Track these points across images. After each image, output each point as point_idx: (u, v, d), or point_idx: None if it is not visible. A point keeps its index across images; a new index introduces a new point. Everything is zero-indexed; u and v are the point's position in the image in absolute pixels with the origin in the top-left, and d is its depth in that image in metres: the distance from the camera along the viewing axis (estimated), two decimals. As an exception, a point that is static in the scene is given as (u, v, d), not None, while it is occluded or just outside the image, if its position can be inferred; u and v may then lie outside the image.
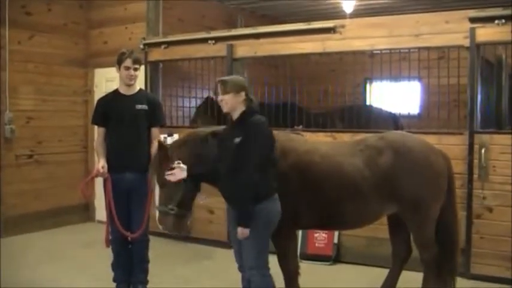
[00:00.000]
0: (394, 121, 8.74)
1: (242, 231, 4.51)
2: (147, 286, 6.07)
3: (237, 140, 4.55)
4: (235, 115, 4.73)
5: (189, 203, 5.09)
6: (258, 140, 4.56)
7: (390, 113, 9.21)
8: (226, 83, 4.71)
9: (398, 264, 5.75)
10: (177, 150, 5.01)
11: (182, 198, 4.95)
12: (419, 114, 10.67)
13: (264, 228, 4.62)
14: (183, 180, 4.86)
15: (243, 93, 4.68)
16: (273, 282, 4.77)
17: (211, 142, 5.04)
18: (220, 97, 4.72)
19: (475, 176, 6.66)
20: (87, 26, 10.15)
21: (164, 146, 5.06)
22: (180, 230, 5.11)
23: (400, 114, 8.84)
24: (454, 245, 5.59)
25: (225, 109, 4.75)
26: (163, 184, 4.96)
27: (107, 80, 9.45)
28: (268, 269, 4.75)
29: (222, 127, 5.38)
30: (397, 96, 8.48)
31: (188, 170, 4.82)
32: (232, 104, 4.68)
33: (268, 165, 4.61)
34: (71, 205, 9.71)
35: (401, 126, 8.59)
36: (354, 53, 7.89)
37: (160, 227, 4.98)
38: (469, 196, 6.68)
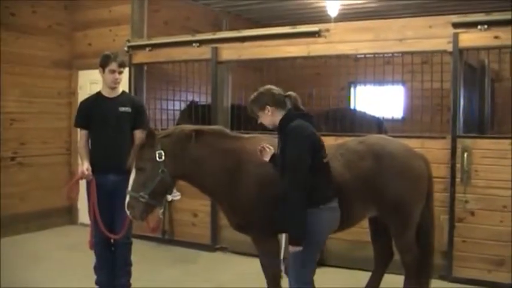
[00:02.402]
0: (377, 125, 8.78)
1: (293, 249, 4.35)
2: (130, 289, 6.06)
3: (280, 149, 4.54)
4: (276, 126, 4.66)
5: (161, 196, 5.07)
6: (294, 142, 4.40)
7: (374, 116, 9.26)
8: (251, 104, 4.68)
9: (380, 267, 5.79)
10: (162, 140, 4.96)
11: (156, 188, 4.90)
12: (402, 118, 10.75)
13: (311, 237, 4.41)
14: (161, 171, 4.86)
15: (268, 107, 4.59)
16: None
17: (195, 139, 5.02)
18: (258, 119, 4.72)
19: (458, 180, 6.71)
20: (71, 27, 10.09)
21: (154, 135, 4.98)
22: (146, 219, 5.09)
23: (383, 118, 8.87)
24: (431, 248, 5.66)
25: (267, 126, 4.71)
26: (140, 170, 4.90)
27: (91, 82, 9.41)
28: (307, 282, 4.57)
29: (209, 126, 5.41)
30: (381, 100, 8.51)
31: (169, 164, 4.86)
32: (267, 120, 4.65)
33: (317, 170, 4.44)
34: (54, 208, 9.64)
35: (384, 130, 8.63)
36: (339, 56, 7.91)
37: (127, 212, 4.93)
38: (452, 200, 6.74)
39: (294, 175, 4.33)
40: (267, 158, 4.78)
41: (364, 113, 9.53)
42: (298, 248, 4.35)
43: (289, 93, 4.72)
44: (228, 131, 5.41)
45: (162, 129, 8.47)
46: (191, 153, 4.98)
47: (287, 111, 4.62)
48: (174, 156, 4.93)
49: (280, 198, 4.45)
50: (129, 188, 4.92)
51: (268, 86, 4.74)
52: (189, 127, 5.21)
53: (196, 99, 9.39)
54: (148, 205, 4.93)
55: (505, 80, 8.33)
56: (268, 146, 4.78)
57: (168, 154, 4.90)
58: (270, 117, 4.61)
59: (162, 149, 4.89)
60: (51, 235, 9.27)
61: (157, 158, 4.89)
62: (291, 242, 4.37)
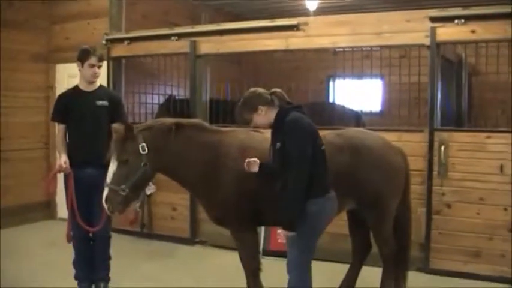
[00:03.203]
0: (356, 118, 8.82)
1: (286, 233, 4.43)
2: (109, 283, 6.04)
3: (278, 144, 4.49)
4: (271, 123, 4.65)
5: (140, 189, 5.12)
6: (295, 135, 4.44)
7: (352, 110, 9.30)
8: (241, 110, 4.66)
9: (358, 259, 5.83)
10: (143, 133, 4.94)
11: (137, 181, 4.91)
12: (381, 111, 10.80)
13: (310, 228, 4.50)
14: (144, 164, 4.85)
15: (260, 107, 4.59)
16: (308, 284, 4.62)
17: (175, 133, 5.01)
18: (251, 123, 4.68)
19: (435, 173, 6.78)
20: (49, 21, 9.99)
21: (132, 128, 4.95)
22: (122, 213, 5.07)
23: (362, 111, 8.91)
24: (408, 241, 5.72)
25: (262, 127, 4.74)
26: (123, 162, 4.87)
27: (68, 76, 9.31)
28: (306, 269, 4.61)
29: (188, 120, 5.41)
30: (359, 94, 8.56)
31: (151, 157, 4.87)
32: (262, 120, 4.63)
33: (315, 161, 4.47)
34: (33, 202, 9.58)
35: (363, 123, 8.67)
36: (317, 50, 7.94)
37: (105, 205, 4.89)
38: (429, 192, 6.80)
39: (299, 167, 4.37)
40: (255, 170, 4.77)
41: (343, 107, 9.58)
42: (292, 233, 4.41)
43: (274, 90, 4.74)
44: (207, 124, 5.41)
45: (140, 123, 8.49)
46: (171, 147, 4.98)
47: (279, 107, 4.63)
48: (155, 149, 4.93)
49: (280, 189, 4.49)
50: (108, 180, 4.88)
51: (252, 89, 4.75)
52: (169, 120, 5.20)
53: (175, 93, 9.37)
54: (127, 198, 4.91)
55: (481, 74, 8.39)
56: (254, 159, 4.77)
57: (150, 147, 4.89)
58: (264, 116, 4.60)
59: (144, 142, 4.88)
60: (30, 230, 9.20)
61: (141, 151, 4.88)
62: (285, 227, 4.42)
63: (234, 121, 7.43)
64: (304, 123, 4.52)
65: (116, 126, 5.70)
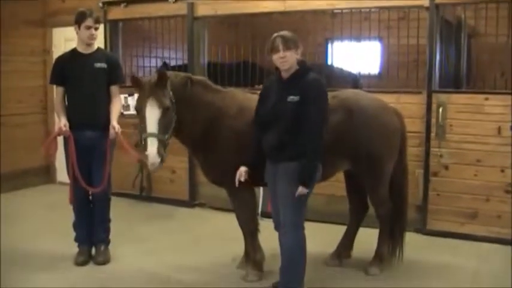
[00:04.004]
0: (354, 81, 8.78)
1: (302, 190, 4.46)
2: (109, 245, 6.10)
3: (293, 98, 4.45)
4: (288, 73, 4.60)
5: None
6: (322, 102, 4.51)
7: (350, 72, 9.26)
8: (287, 39, 4.52)
9: (355, 221, 5.89)
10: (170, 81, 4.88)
11: (172, 132, 4.85)
12: (379, 74, 10.75)
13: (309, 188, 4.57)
14: (175, 113, 4.80)
15: (299, 51, 4.57)
16: (305, 244, 4.70)
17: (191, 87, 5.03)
18: (281, 53, 4.49)
19: (433, 135, 6.79)
20: (45, -16, 9.88)
21: (167, 75, 4.85)
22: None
23: (360, 74, 8.86)
24: (404, 202, 5.77)
25: (285, 66, 4.56)
26: (164, 111, 4.72)
27: (65, 40, 9.25)
28: (302, 228, 4.68)
29: (195, 76, 5.39)
30: (358, 56, 8.51)
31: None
32: (292, 61, 4.55)
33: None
34: (32, 167, 9.60)
35: (361, 86, 8.63)
36: (315, 12, 7.88)
37: (157, 159, 4.64)
38: (427, 154, 6.82)
39: (321, 130, 4.49)
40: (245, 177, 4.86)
41: (341, 69, 9.52)
42: (306, 190, 4.48)
43: None
44: (210, 82, 5.37)
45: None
46: (184, 101, 4.92)
47: (302, 62, 4.65)
48: (176, 101, 4.88)
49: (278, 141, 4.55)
50: (155, 130, 4.67)
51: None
52: (181, 74, 5.15)
53: (173, 55, 9.31)
54: (166, 149, 4.78)
55: (481, 35, 8.34)
56: (243, 172, 4.84)
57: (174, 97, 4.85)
58: (293, 59, 4.54)
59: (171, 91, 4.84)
60: (29, 194, 9.25)
61: (173, 99, 4.83)
62: (306, 184, 4.47)
63: (232, 84, 7.41)
64: (325, 86, 4.62)
65: (115, 89, 5.75)
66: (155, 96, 4.70)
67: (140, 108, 4.75)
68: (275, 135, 4.56)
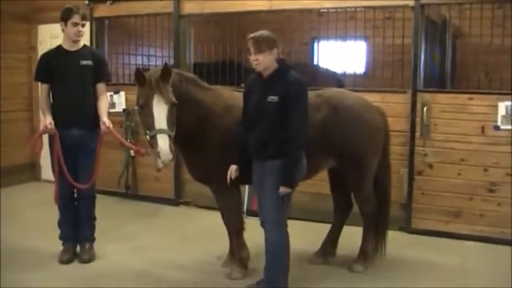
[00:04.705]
0: (337, 81, 8.80)
1: (285, 190, 4.51)
2: (94, 243, 6.09)
3: (273, 98, 4.47)
4: (267, 72, 4.61)
5: None
6: (302, 101, 4.54)
7: (335, 73, 9.30)
8: (259, 40, 4.52)
9: (339, 219, 5.92)
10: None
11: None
12: (364, 73, 10.79)
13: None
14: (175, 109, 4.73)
15: (275, 50, 4.57)
16: (288, 240, 4.74)
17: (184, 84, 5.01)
18: (253, 56, 4.53)
19: (417, 134, 6.84)
20: (30, -20, 9.82)
21: (171, 71, 4.80)
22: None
23: (344, 73, 8.87)
24: (387, 199, 5.82)
25: (258, 68, 4.58)
26: (171, 107, 4.68)
27: (51, 37, 9.21)
28: (286, 225, 4.71)
29: (186, 73, 5.35)
30: (343, 56, 8.54)
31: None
32: (266, 62, 4.55)
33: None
34: (17, 164, 9.54)
35: (345, 86, 8.66)
36: (301, 11, 7.90)
37: (169, 156, 4.57)
38: (411, 153, 6.88)
39: (304, 129, 4.52)
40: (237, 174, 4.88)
41: (326, 70, 9.56)
42: (290, 190, 4.53)
43: None
44: (199, 80, 5.34)
45: (123, 84, 8.45)
46: (177, 97, 4.82)
47: (281, 61, 4.66)
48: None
49: (258, 141, 4.61)
50: (164, 126, 4.63)
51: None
52: (174, 70, 5.07)
53: (159, 53, 9.29)
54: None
55: (465, 36, 8.40)
56: (233, 170, 4.87)
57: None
58: (269, 60, 4.56)
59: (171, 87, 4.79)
60: (14, 192, 9.18)
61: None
62: (288, 184, 4.51)
63: (216, 81, 7.40)
64: (306, 84, 4.65)
65: (102, 86, 5.73)
66: (163, 91, 4.67)
67: (146, 103, 4.68)
68: (258, 134, 4.61)
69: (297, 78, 4.59)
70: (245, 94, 4.88)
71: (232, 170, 4.87)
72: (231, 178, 4.88)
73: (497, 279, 5.53)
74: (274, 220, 4.65)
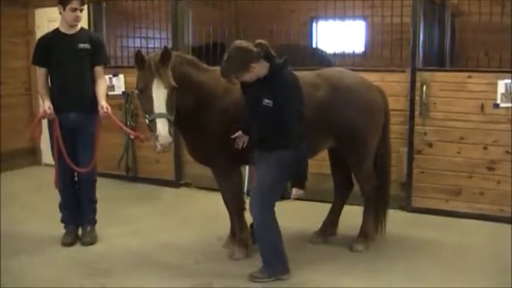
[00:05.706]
0: (324, 60, 8.78)
1: (298, 191, 4.60)
2: (95, 226, 6.11)
3: (268, 102, 4.48)
4: (260, 76, 4.62)
5: None
6: (297, 100, 4.56)
7: (323, 52, 9.29)
8: (232, 70, 4.58)
9: (340, 198, 5.95)
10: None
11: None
12: (364, 52, 10.76)
13: (282, 169, 4.64)
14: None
15: (252, 65, 4.54)
16: (273, 224, 4.81)
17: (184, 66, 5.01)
18: (235, 81, 4.65)
19: (417, 113, 6.83)
20: (28, -36, 9.75)
21: (171, 54, 4.78)
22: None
23: (343, 53, 8.83)
24: (387, 178, 5.83)
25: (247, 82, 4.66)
26: (171, 90, 4.67)
27: (49, 21, 9.15)
28: (271, 209, 4.76)
29: (186, 55, 5.37)
30: (342, 35, 8.50)
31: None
32: (252, 76, 4.59)
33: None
34: (17, 149, 9.53)
35: (332, 65, 8.63)
36: (299, -9, 7.87)
37: (169, 139, 4.61)
38: (411, 132, 6.88)
39: (300, 128, 4.53)
40: (244, 139, 4.94)
41: (315, 49, 9.54)
42: (302, 192, 4.60)
43: (259, 41, 4.68)
44: (199, 61, 5.33)
45: (121, 67, 8.43)
46: (177, 79, 4.82)
47: (272, 63, 4.62)
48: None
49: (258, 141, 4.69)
50: (164, 110, 4.64)
51: (238, 44, 4.66)
52: (174, 52, 5.05)
53: (157, 36, 9.25)
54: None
55: (464, 14, 8.36)
56: (239, 135, 4.91)
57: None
58: (256, 72, 4.57)
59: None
60: (15, 176, 9.18)
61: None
62: (299, 185, 4.60)
63: (213, 64, 7.36)
64: (298, 83, 4.63)
65: (99, 69, 5.71)
66: (162, 75, 4.66)
67: (145, 87, 4.68)
68: (257, 131, 4.69)
69: (289, 77, 4.61)
70: (242, 85, 4.84)
71: (242, 138, 4.91)
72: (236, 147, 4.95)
73: (496, 257, 5.56)
74: (259, 201, 4.72)
